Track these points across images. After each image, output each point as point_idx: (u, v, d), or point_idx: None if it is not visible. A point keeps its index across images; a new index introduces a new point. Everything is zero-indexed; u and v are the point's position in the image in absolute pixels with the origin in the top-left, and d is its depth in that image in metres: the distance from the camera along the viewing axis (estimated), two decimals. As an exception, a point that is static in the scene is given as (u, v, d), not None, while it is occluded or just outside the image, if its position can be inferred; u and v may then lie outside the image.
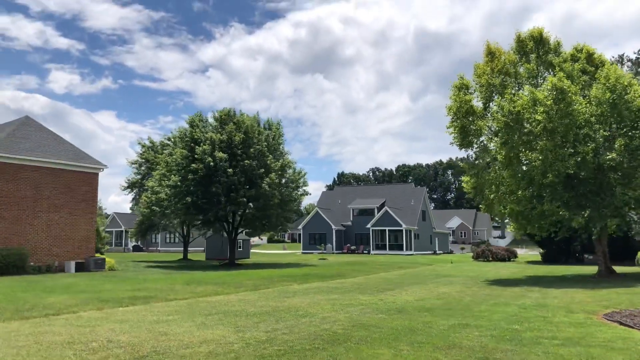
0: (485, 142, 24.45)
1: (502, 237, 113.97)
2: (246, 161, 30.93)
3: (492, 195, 23.58)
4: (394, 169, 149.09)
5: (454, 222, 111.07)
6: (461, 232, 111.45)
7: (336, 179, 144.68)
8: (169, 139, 42.55)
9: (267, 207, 31.82)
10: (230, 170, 30.28)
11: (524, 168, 22.09)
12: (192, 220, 31.33)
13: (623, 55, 51.83)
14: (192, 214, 30.94)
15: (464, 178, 25.47)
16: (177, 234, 66.60)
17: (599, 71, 22.60)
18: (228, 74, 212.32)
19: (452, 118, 23.49)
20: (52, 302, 12.96)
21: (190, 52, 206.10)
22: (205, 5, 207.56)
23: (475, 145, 24.45)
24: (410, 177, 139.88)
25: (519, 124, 21.35)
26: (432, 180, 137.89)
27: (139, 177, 41.98)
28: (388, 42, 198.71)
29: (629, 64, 49.53)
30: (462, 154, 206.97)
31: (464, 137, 23.63)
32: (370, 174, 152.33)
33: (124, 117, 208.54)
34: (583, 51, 23.70)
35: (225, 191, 30.74)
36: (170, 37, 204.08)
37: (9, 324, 9.66)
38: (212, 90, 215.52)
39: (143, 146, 42.17)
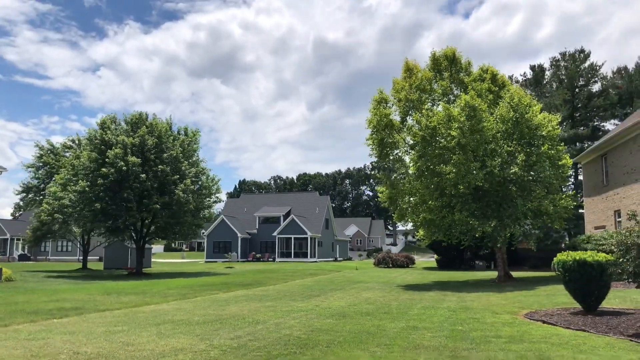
0: (400, 155, 25.80)
1: (395, 244, 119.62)
2: (160, 166, 29.94)
3: (405, 205, 24.92)
4: (294, 178, 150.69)
5: (351, 229, 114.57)
6: (357, 240, 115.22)
7: (237, 186, 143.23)
8: (72, 141, 39.92)
9: (180, 214, 30.95)
10: (143, 175, 29.14)
11: (436, 180, 23.63)
12: (99, 227, 29.57)
13: (512, 76, 57.07)
14: (100, 220, 29.26)
15: (379, 188, 26.62)
16: (69, 243, 62.46)
17: (503, 91, 24.89)
18: (121, 74, 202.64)
19: (372, 131, 24.54)
20: (-32, 316, 11.81)
21: (80, 49, 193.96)
22: (98, 0, 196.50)
23: (391, 157, 25.69)
24: (311, 186, 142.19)
25: (434, 138, 22.86)
26: (331, 189, 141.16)
27: (35, 181, 38.73)
28: (288, 51, 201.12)
29: (516, 84, 54.49)
30: (359, 164, 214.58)
31: (382, 149, 24.78)
32: (272, 182, 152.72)
33: (3, 115, 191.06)
34: (488, 72, 25.87)
35: (137, 197, 29.49)
36: (58, 32, 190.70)
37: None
38: (102, 90, 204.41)
39: (41, 148, 39.04)
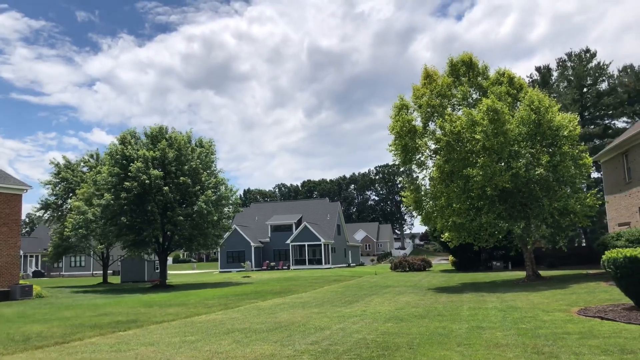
0: (423, 159, 26.12)
1: (403, 248, 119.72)
2: (181, 178, 30.27)
3: (431, 209, 25.22)
4: (299, 185, 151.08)
5: (359, 235, 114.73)
6: (366, 245, 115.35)
7: (242, 195, 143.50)
8: (90, 156, 40.22)
9: (203, 225, 31.26)
10: (165, 188, 29.45)
11: (462, 182, 23.91)
12: (125, 241, 29.87)
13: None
14: (125, 234, 29.54)
15: (404, 193, 26.94)
16: (83, 258, 62.74)
17: (521, 93, 25.28)
18: (117, 87, 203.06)
19: (395, 137, 24.88)
20: (37, 330, 12.12)
21: (75, 64, 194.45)
22: (90, 15, 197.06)
23: (414, 162, 26.01)
24: (316, 193, 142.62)
25: (458, 143, 23.21)
26: (336, 194, 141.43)
27: (53, 198, 39.03)
28: (282, 59, 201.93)
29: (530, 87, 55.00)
30: (361, 169, 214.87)
31: (405, 155, 25.11)
32: (277, 191, 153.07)
33: (0, 132, 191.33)
34: (505, 75, 26.22)
35: (160, 210, 29.81)
36: (52, 48, 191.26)
37: (61, 348, 9.04)
38: (99, 105, 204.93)
39: (56, 165, 39.35)
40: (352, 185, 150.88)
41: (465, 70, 25.87)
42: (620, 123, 47.23)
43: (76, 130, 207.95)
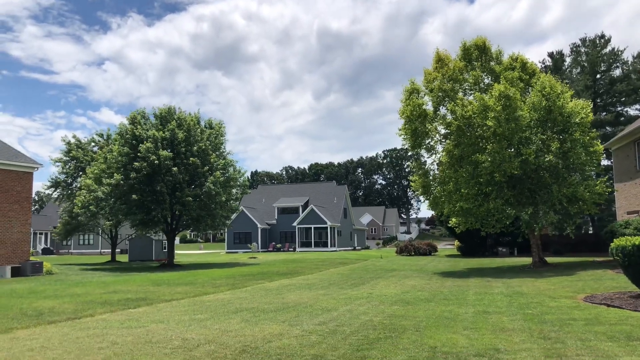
0: (432, 144, 26.03)
1: (409, 232, 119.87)
2: (191, 159, 30.40)
3: (439, 194, 25.20)
4: (306, 168, 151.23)
5: (366, 218, 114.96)
6: (372, 228, 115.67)
7: (250, 177, 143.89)
8: (100, 136, 40.38)
9: (211, 205, 31.45)
10: (175, 168, 29.60)
11: (471, 168, 23.84)
12: (134, 220, 30.15)
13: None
14: (134, 213, 29.80)
15: (412, 177, 26.92)
16: (92, 236, 63.37)
17: (533, 79, 25.04)
18: (126, 67, 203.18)
19: (405, 121, 24.78)
20: (49, 306, 12.34)
21: (84, 43, 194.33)
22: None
23: (424, 146, 25.93)
24: (323, 176, 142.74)
25: (469, 128, 23.10)
26: (343, 178, 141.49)
27: (63, 176, 39.33)
28: (292, 41, 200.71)
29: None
30: (368, 153, 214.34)
31: (415, 139, 25.03)
32: (284, 173, 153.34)
33: (10, 110, 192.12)
34: (518, 60, 25.96)
35: (169, 190, 30.02)
36: (62, 26, 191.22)
37: (73, 323, 9.23)
38: (108, 84, 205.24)
39: (67, 144, 39.56)
40: (360, 169, 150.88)
41: (478, 54, 25.63)
42: (633, 110, 46.78)
43: (85, 109, 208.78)
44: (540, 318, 9.61)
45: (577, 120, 22.82)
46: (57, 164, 39.12)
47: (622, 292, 12.88)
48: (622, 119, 44.10)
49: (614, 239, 12.57)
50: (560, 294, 13.72)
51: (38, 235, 65.57)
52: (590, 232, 48.04)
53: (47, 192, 41.40)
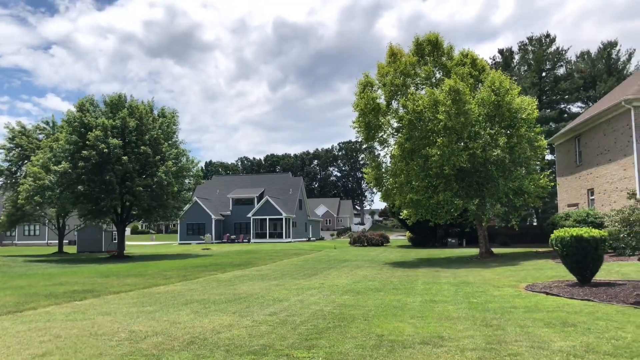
0: (385, 137, 26.42)
1: (362, 223, 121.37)
2: (142, 148, 29.74)
3: (391, 186, 25.65)
4: (262, 159, 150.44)
5: (321, 210, 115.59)
6: (327, 220, 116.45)
7: (204, 168, 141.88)
8: (46, 123, 38.90)
9: (162, 196, 30.89)
10: (125, 157, 28.90)
11: (421, 161, 24.36)
12: (82, 210, 29.24)
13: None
14: (82, 202, 28.91)
15: (365, 170, 27.27)
16: (37, 227, 61.05)
17: (483, 75, 25.76)
18: (74, 52, 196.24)
19: (359, 114, 25.04)
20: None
21: (30, 25, 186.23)
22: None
23: (377, 139, 26.29)
24: (279, 167, 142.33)
25: (420, 122, 23.57)
26: (299, 169, 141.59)
27: (7, 164, 37.65)
28: (247, 30, 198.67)
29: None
30: (323, 145, 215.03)
31: (369, 132, 25.35)
32: (239, 164, 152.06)
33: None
34: (468, 56, 26.61)
35: (119, 179, 29.28)
36: (5, 7, 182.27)
37: (14, 317, 8.90)
38: (55, 69, 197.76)
39: (11, 130, 37.86)
40: (315, 161, 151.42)
41: (430, 49, 26.11)
42: (575, 108, 48.86)
43: (29, 94, 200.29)
44: (484, 306, 9.99)
45: (523, 116, 23.68)
46: (0, 151, 37.47)
47: (560, 281, 13.51)
48: (565, 115, 46.04)
49: (554, 231, 13.16)
50: (503, 283, 14.27)
51: (-22, 227, 62.61)
52: (535, 223, 50.02)
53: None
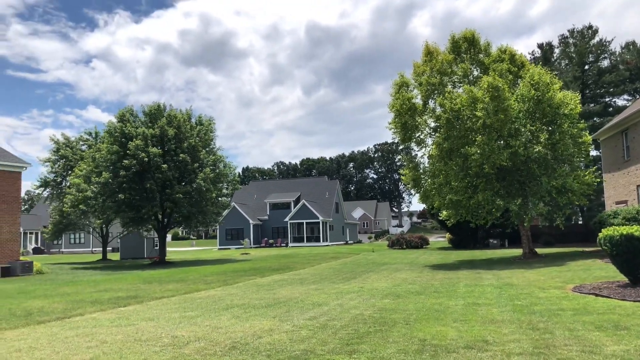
0: (422, 137, 26.07)
1: (401, 226, 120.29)
2: (181, 155, 30.29)
3: (429, 187, 25.26)
4: (298, 163, 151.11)
5: (357, 213, 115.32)
6: (364, 222, 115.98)
7: (241, 173, 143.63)
8: (89, 134, 40.13)
9: (202, 202, 31.37)
10: (164, 165, 29.48)
11: (460, 160, 23.91)
12: (124, 218, 30.03)
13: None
14: (124, 211, 29.67)
15: (403, 171, 26.96)
16: (82, 235, 63.01)
17: (522, 71, 25.11)
18: (114, 64, 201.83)
19: (395, 115, 24.79)
20: (38, 306, 12.26)
21: (71, 41, 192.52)
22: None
23: (414, 140, 25.97)
24: (314, 171, 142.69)
25: (458, 120, 23.15)
26: (335, 173, 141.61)
27: (52, 175, 39.05)
28: (280, 36, 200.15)
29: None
30: (359, 147, 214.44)
31: (405, 133, 25.06)
32: (275, 169, 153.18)
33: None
34: (507, 52, 26.00)
35: (159, 187, 29.90)
36: (48, 24, 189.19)
37: (62, 323, 9.16)
38: (96, 82, 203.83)
39: (56, 143, 39.27)
40: (351, 164, 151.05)
41: (467, 47, 25.65)
42: (620, 101, 47.12)
43: (72, 107, 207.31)
44: (529, 309, 9.66)
45: (565, 111, 22.93)
46: (46, 163, 38.87)
47: (610, 282, 12.98)
48: (610, 109, 44.42)
49: (602, 229, 12.66)
50: (549, 284, 13.81)
51: (28, 235, 65.11)
52: (580, 222, 48.41)
53: (36, 191, 41.16)
